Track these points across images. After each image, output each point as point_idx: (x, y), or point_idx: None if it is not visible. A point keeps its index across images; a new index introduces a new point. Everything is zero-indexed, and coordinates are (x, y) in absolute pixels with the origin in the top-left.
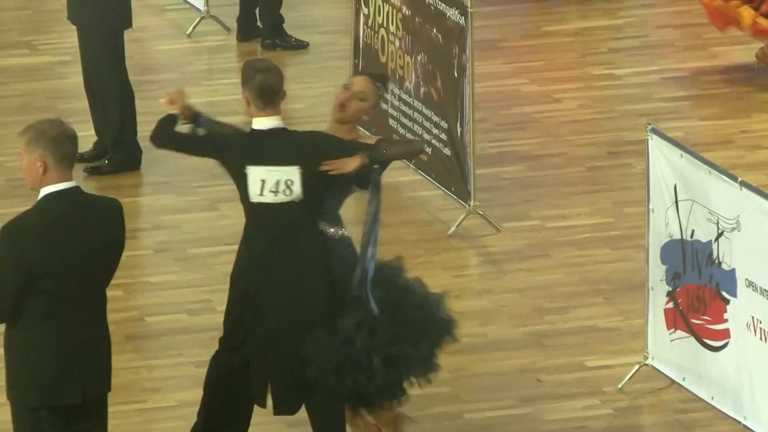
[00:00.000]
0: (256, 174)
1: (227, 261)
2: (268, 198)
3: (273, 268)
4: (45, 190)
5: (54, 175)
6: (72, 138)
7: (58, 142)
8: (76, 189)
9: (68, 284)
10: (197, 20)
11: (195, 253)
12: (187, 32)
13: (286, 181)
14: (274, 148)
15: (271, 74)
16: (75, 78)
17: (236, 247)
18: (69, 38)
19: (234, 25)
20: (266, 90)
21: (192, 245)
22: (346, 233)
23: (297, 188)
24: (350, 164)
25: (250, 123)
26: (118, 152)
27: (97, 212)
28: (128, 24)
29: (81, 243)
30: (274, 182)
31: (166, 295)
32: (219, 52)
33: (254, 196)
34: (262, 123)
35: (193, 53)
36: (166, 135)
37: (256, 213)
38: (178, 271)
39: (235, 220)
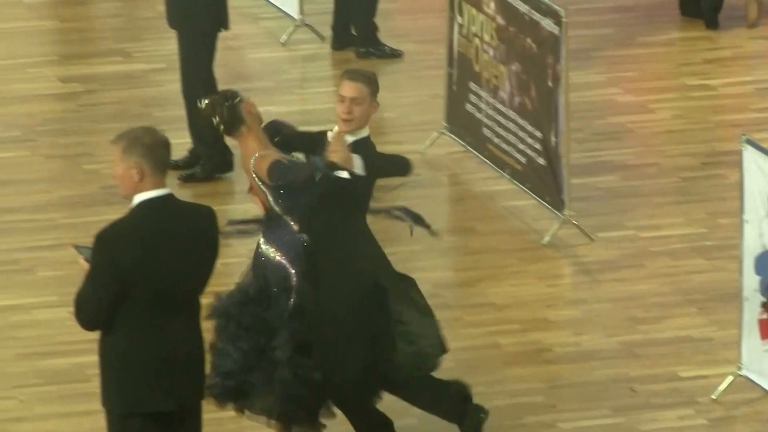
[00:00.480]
0: None
1: None
2: None
3: None
4: (139, 198)
5: (149, 183)
6: (166, 145)
7: (153, 149)
8: (169, 196)
9: (162, 292)
10: (292, 29)
11: None
12: (282, 40)
13: None
14: None
15: None
16: (170, 86)
17: None
18: (163, 45)
19: (329, 34)
20: None
21: None
22: None
23: None
24: None
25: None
26: (210, 156)
27: (191, 219)
28: (224, 25)
29: (175, 250)
30: None
31: None
32: (313, 60)
33: None
34: None
35: (287, 62)
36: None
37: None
38: None
39: None
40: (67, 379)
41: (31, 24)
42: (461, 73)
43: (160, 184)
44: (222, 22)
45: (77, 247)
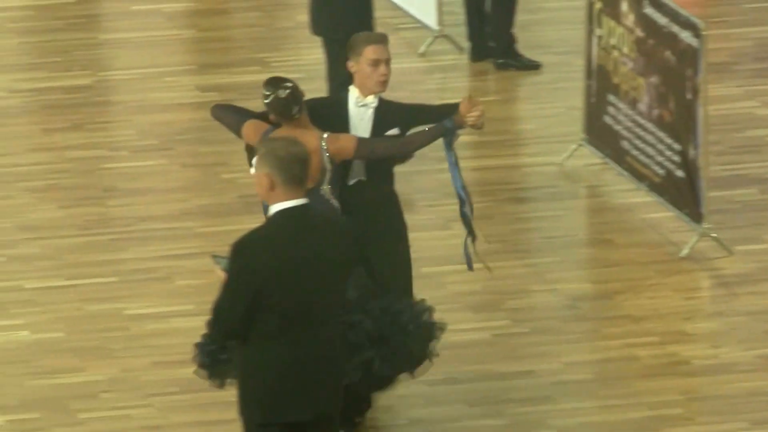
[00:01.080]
0: None
1: (459, 280)
2: None
3: None
4: (275, 207)
5: (281, 194)
6: (302, 160)
7: (286, 163)
8: (305, 206)
9: (298, 301)
10: (431, 39)
11: (427, 272)
12: (421, 51)
13: None
14: None
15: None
16: (308, 94)
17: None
18: (302, 55)
19: (467, 45)
20: None
21: (424, 264)
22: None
23: None
24: None
25: None
26: None
27: (327, 230)
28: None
29: (310, 261)
30: None
31: None
32: (451, 71)
33: None
34: None
35: (425, 72)
36: None
37: None
38: None
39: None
40: (204, 388)
41: (170, 33)
42: (600, 85)
43: (295, 196)
44: (368, 29)
45: (215, 257)
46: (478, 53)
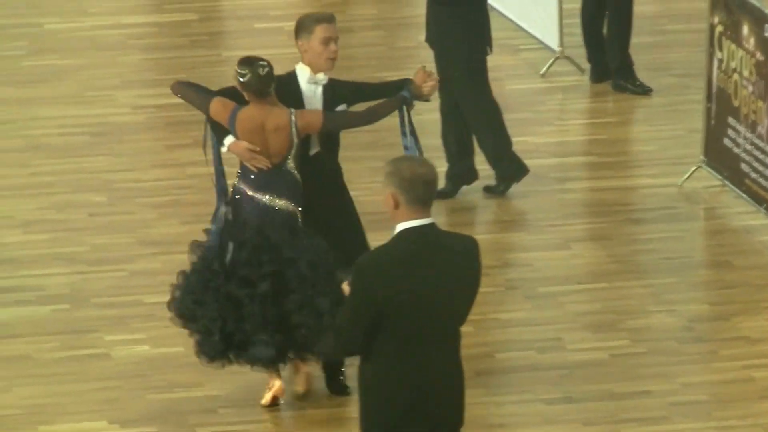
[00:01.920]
0: None
1: (578, 300)
2: None
3: None
4: (400, 226)
5: (405, 213)
6: (427, 182)
7: (410, 183)
8: (431, 226)
9: (420, 320)
10: (551, 60)
11: (546, 292)
12: (542, 72)
13: None
14: None
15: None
16: (427, 115)
17: (589, 286)
18: None
19: (587, 66)
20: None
21: (543, 283)
22: None
23: None
24: None
25: None
26: (504, 167)
27: (452, 250)
28: (487, 46)
29: (434, 280)
30: None
31: (515, 332)
32: (572, 92)
33: None
34: None
35: (546, 93)
36: None
37: None
38: (529, 308)
39: (588, 259)
40: (328, 404)
41: (292, 51)
42: (720, 107)
43: (421, 215)
44: (488, 44)
45: (344, 273)
46: (597, 75)
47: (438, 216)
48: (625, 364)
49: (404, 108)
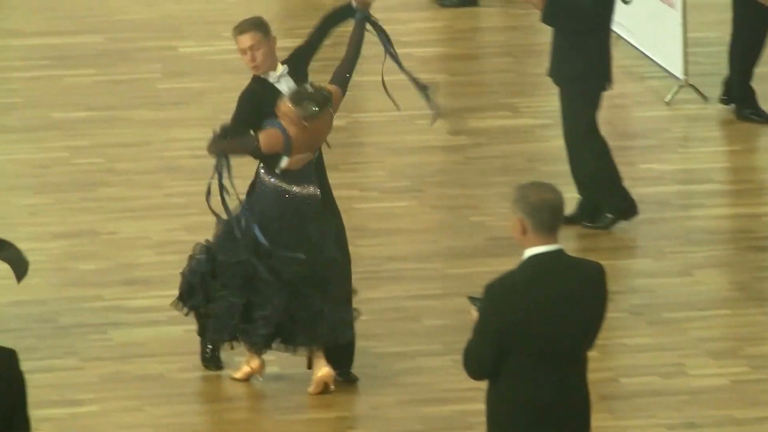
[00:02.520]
0: None
1: (701, 326)
2: None
3: None
4: (528, 252)
5: (533, 239)
6: (553, 207)
7: (536, 209)
8: (558, 252)
9: (548, 345)
10: (676, 88)
11: (669, 317)
12: (666, 100)
13: None
14: None
15: None
16: (555, 141)
17: (711, 312)
18: (551, 102)
19: (711, 94)
20: None
21: (666, 309)
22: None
23: None
24: None
25: None
26: (613, 204)
27: (580, 276)
28: (609, 82)
29: (562, 306)
30: None
31: (639, 357)
32: (696, 120)
33: None
34: None
35: (670, 121)
36: None
37: None
38: (652, 334)
39: (710, 286)
40: (450, 426)
41: (422, 77)
42: None
43: (548, 241)
44: (607, 80)
45: (471, 299)
46: (728, 100)
47: (564, 241)
48: (746, 391)
49: (368, 25)
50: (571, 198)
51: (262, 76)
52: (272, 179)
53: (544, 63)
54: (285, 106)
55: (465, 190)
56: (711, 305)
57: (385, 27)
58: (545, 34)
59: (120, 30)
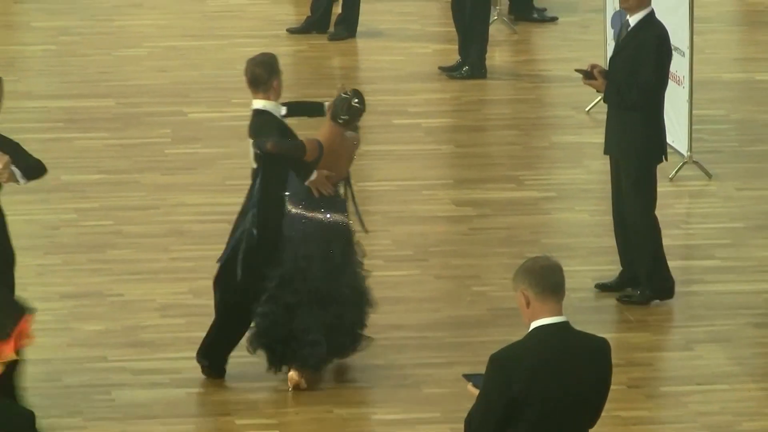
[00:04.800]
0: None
1: (700, 401)
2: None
3: None
4: (534, 324)
5: (538, 310)
6: (552, 270)
7: (536, 278)
8: (564, 325)
9: (551, 417)
10: (680, 165)
11: (667, 391)
12: (670, 176)
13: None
14: None
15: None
16: (559, 214)
17: (710, 387)
18: (556, 175)
19: (715, 172)
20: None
21: (664, 383)
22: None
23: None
24: None
25: None
26: (654, 283)
27: (585, 350)
28: (663, 155)
29: (567, 379)
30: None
31: (637, 431)
32: (699, 196)
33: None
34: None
35: (673, 197)
36: None
37: None
38: (650, 407)
39: (709, 361)
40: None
41: (428, 148)
42: None
43: (554, 312)
44: (663, 152)
45: (466, 376)
46: None
47: (565, 312)
48: None
49: None
50: (574, 271)
51: (273, 107)
52: (294, 210)
53: (549, 136)
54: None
55: (469, 260)
56: (710, 380)
57: (393, 97)
58: (549, 108)
59: (132, 95)
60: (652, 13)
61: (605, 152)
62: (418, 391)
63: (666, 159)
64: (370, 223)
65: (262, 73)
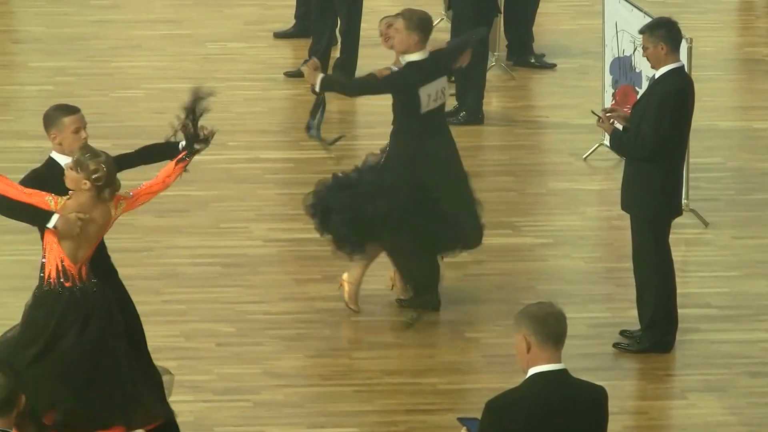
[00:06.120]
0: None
1: None
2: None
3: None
4: (532, 370)
5: (538, 356)
6: (557, 318)
7: (540, 323)
8: (562, 372)
9: None
10: None
11: None
12: None
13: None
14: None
15: None
16: (555, 261)
17: None
18: (552, 221)
19: (711, 220)
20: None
21: (658, 431)
22: None
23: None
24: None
25: None
26: (656, 334)
27: (582, 398)
28: (678, 212)
29: (563, 427)
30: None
31: None
32: (695, 244)
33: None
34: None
35: (672, 244)
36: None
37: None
38: None
39: (704, 410)
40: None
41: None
42: None
43: (553, 359)
44: (676, 210)
45: (461, 420)
46: None
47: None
48: None
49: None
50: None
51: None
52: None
53: (546, 183)
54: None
55: (463, 306)
56: (704, 429)
57: None
58: (546, 154)
59: (128, 136)
60: (675, 69)
61: (622, 207)
62: None
63: (679, 213)
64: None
65: None
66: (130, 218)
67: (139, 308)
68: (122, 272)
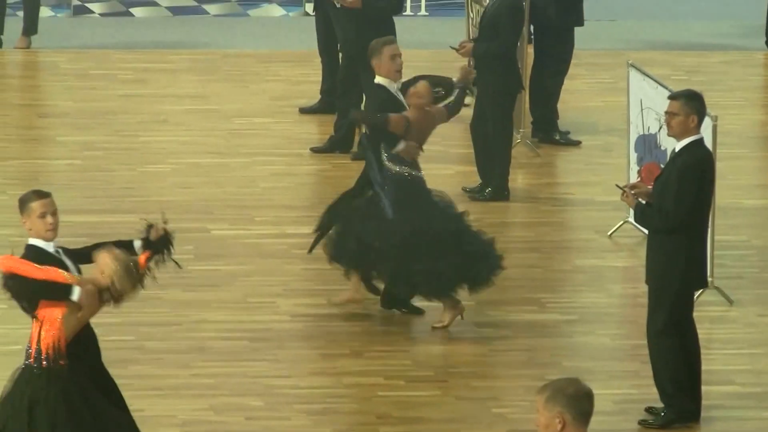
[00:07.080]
0: None
1: None
2: None
3: None
4: None
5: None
6: (588, 395)
7: (575, 400)
8: None
9: None
10: (700, 291)
11: None
12: None
13: None
14: None
15: None
16: (579, 337)
17: None
18: (577, 298)
19: (735, 297)
20: None
21: None
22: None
23: None
24: None
25: None
26: (680, 404)
27: None
28: (704, 283)
29: None
30: None
31: None
32: (720, 322)
33: None
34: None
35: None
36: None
37: None
38: None
39: None
40: None
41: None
42: None
43: None
44: (702, 281)
45: None
46: None
47: None
48: None
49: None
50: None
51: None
52: (398, 167)
53: (572, 260)
54: (421, 85)
55: (489, 381)
56: None
57: None
58: (573, 231)
59: (155, 211)
60: (695, 141)
61: (645, 281)
62: None
63: (705, 285)
64: (390, 343)
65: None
66: (158, 292)
67: (168, 382)
68: (151, 346)
